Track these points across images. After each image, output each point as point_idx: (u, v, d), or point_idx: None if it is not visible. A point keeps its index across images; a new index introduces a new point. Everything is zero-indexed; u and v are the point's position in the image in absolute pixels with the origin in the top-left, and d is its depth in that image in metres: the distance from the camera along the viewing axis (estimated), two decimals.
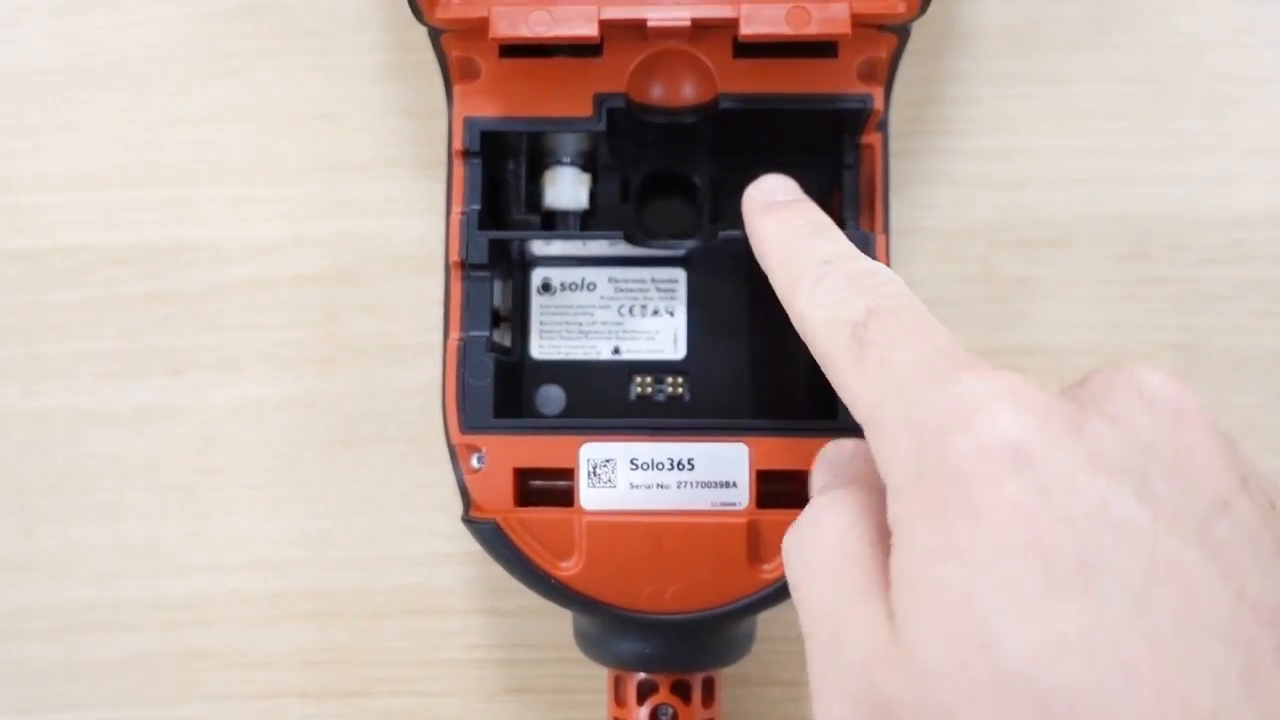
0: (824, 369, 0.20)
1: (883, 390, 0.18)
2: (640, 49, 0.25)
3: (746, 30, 0.24)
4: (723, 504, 0.25)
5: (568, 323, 0.28)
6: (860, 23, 0.24)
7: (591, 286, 0.28)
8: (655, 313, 0.28)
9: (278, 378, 0.31)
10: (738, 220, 0.25)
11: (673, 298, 0.28)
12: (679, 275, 0.28)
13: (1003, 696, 0.14)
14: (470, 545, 0.29)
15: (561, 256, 0.28)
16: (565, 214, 0.27)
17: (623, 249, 0.27)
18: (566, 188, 0.27)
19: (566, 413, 0.27)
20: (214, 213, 0.32)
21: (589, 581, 0.24)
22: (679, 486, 0.25)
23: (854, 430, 0.24)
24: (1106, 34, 0.33)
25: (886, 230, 0.27)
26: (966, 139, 0.32)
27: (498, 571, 0.28)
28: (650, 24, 0.24)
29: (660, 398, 0.27)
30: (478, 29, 0.24)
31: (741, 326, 0.28)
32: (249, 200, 0.32)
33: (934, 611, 0.15)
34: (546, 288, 0.28)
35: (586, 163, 0.27)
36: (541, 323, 0.28)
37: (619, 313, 0.28)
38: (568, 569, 0.24)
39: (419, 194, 0.32)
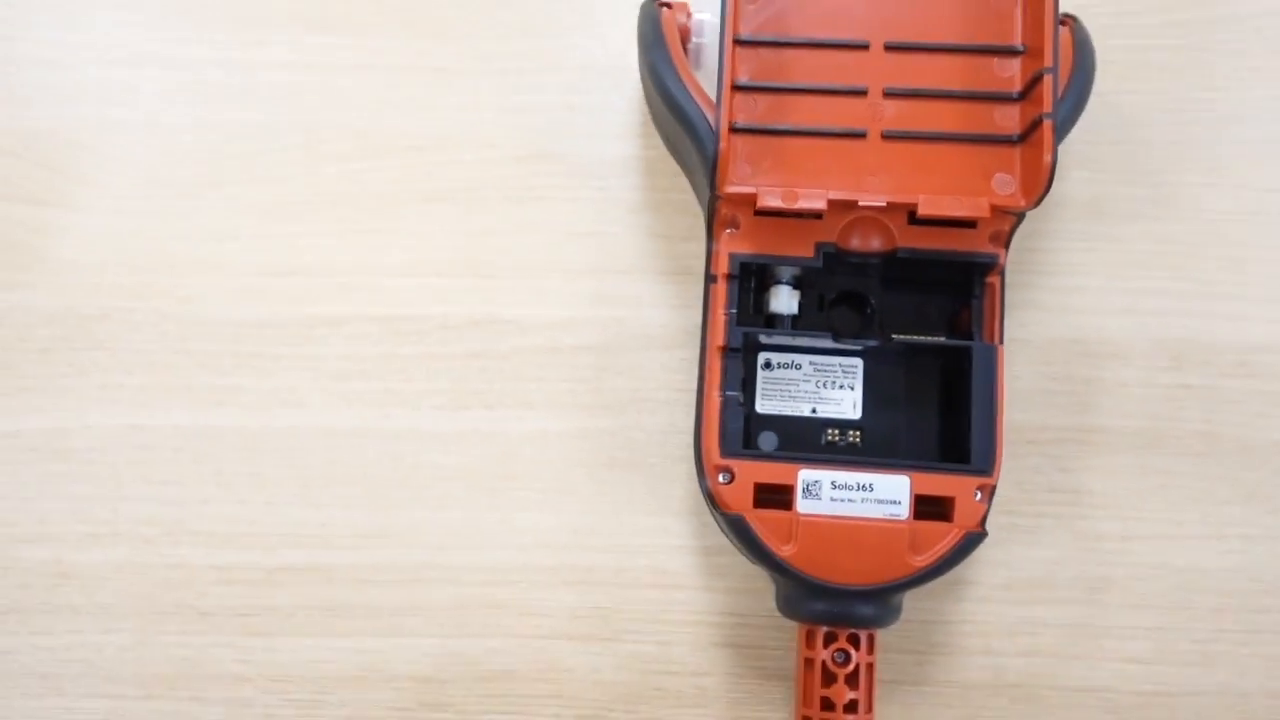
0: None
1: None
2: (847, 214, 0.39)
3: (923, 211, 0.37)
4: (891, 515, 0.37)
5: (781, 390, 0.41)
6: (995, 211, 0.37)
7: (798, 366, 0.41)
8: (840, 386, 0.41)
9: (559, 416, 0.45)
10: (899, 327, 0.39)
11: (853, 377, 0.41)
12: (858, 363, 0.41)
13: None
14: (695, 541, 0.43)
15: (779, 345, 0.41)
16: (783, 317, 0.41)
17: (821, 343, 0.40)
18: (785, 299, 0.40)
19: (779, 449, 0.40)
20: (517, 297, 0.46)
21: (800, 560, 0.37)
22: (862, 501, 0.37)
23: (981, 471, 0.37)
24: (1155, 208, 0.46)
25: (1002, 341, 0.39)
26: (1053, 277, 0.45)
27: (715, 560, 0.41)
28: (860, 204, 0.37)
29: (843, 443, 0.40)
30: (748, 200, 0.38)
31: (899, 398, 0.41)
32: (542, 290, 0.46)
33: None
34: (768, 365, 0.41)
35: (797, 283, 0.41)
36: (763, 389, 0.41)
37: (816, 385, 0.41)
38: (788, 550, 0.37)
39: (663, 294, 0.45)
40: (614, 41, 0.48)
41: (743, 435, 0.38)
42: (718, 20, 0.43)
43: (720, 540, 0.42)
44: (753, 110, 0.38)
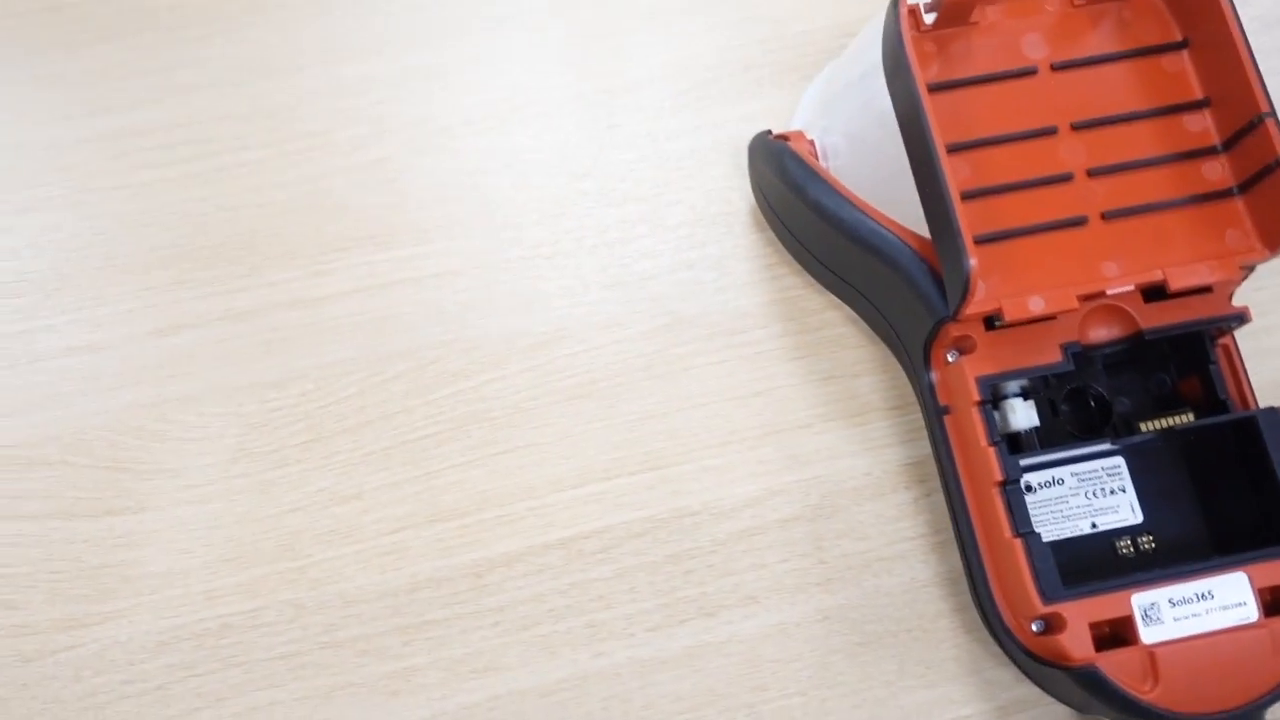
0: None
1: None
2: (1085, 307, 0.36)
3: (1175, 285, 0.34)
4: (1241, 620, 0.33)
5: (1053, 511, 0.37)
6: (1242, 268, 0.35)
7: (1061, 482, 0.37)
8: (1112, 492, 0.37)
9: (791, 602, 0.39)
10: (1140, 413, 0.35)
11: (1120, 478, 0.37)
12: (1119, 462, 0.37)
13: None
14: (986, 704, 0.37)
15: (1034, 464, 0.37)
16: (1026, 433, 0.37)
17: (1080, 450, 0.37)
18: (1023, 414, 0.36)
19: (1082, 576, 0.35)
20: (699, 482, 0.41)
21: (1169, 698, 0.32)
22: (1208, 613, 0.33)
23: None
24: None
25: (1256, 403, 0.37)
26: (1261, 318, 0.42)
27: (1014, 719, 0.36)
28: (1108, 293, 0.34)
29: (1137, 554, 0.36)
30: (979, 316, 0.34)
31: (1172, 489, 0.37)
32: (724, 468, 0.41)
33: None
34: (1029, 488, 0.37)
35: (1024, 393, 0.37)
36: (1035, 515, 0.36)
37: (1086, 497, 0.37)
38: (1152, 692, 0.32)
39: (855, 439, 0.41)
40: (712, 188, 0.45)
41: (1061, 571, 0.34)
42: (848, 140, 0.40)
43: (1020, 694, 0.37)
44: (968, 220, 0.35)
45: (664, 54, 0.47)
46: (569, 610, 0.39)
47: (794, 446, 0.41)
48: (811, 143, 0.41)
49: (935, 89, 0.36)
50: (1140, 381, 0.38)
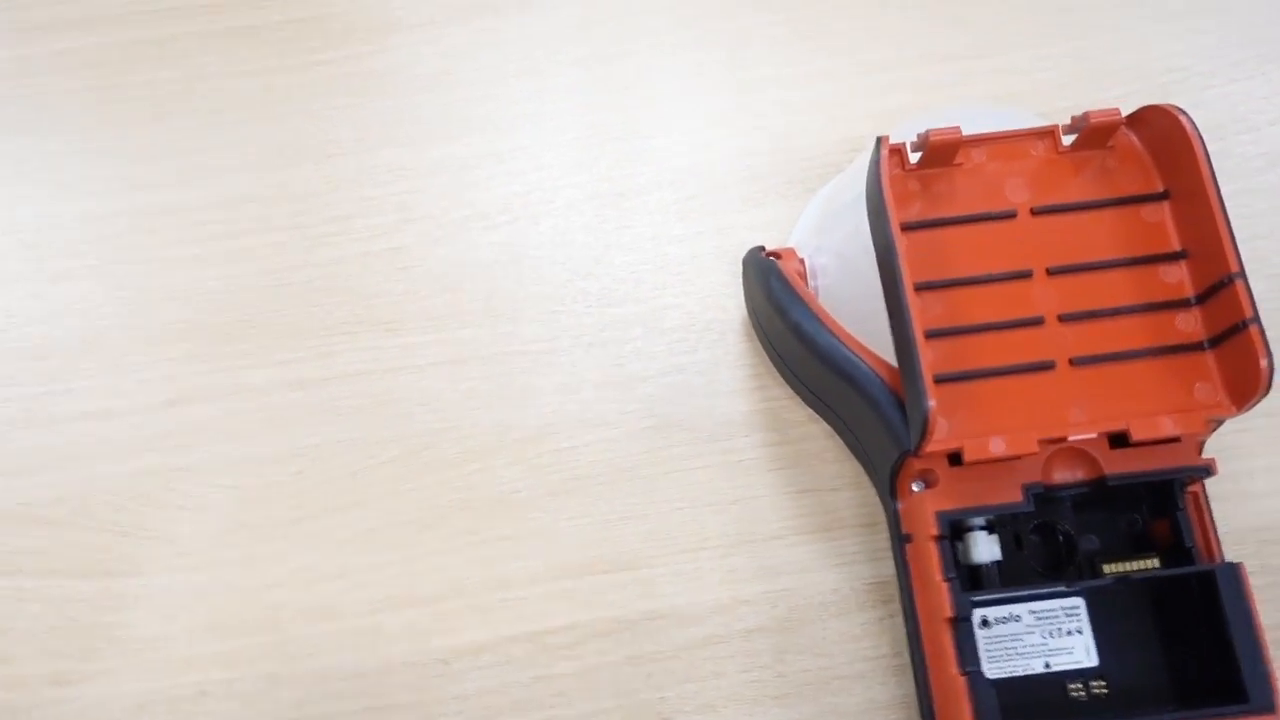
0: None
1: None
2: (1048, 449, 0.36)
3: (1138, 436, 0.35)
4: None
5: (1006, 649, 0.37)
6: (1208, 423, 0.35)
7: (1018, 618, 0.37)
8: (1069, 633, 0.37)
9: (748, 714, 0.40)
10: (1098, 556, 0.36)
11: (1078, 619, 0.37)
12: (1079, 603, 0.37)
13: None
14: None
15: (991, 599, 0.37)
16: (986, 566, 0.37)
17: (1030, 589, 0.37)
18: (985, 547, 0.37)
19: (1031, 717, 0.36)
20: (670, 586, 0.41)
21: None
22: None
23: (1264, 709, 0.33)
24: None
25: (1221, 553, 0.37)
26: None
27: None
28: (1070, 439, 0.35)
29: (1089, 698, 0.36)
30: (945, 455, 0.35)
31: (1132, 634, 0.37)
32: (694, 573, 0.42)
33: None
34: (985, 623, 0.37)
35: (990, 526, 0.38)
36: (988, 650, 0.37)
37: (1042, 636, 0.37)
38: None
39: (826, 554, 0.42)
40: (708, 294, 0.46)
41: (1004, 710, 0.34)
42: (838, 261, 0.41)
43: None
44: (934, 358, 0.36)
45: (678, 159, 0.49)
46: (530, 703, 0.40)
47: (765, 557, 0.42)
48: (803, 261, 0.42)
49: (915, 227, 0.37)
50: (1110, 521, 0.38)
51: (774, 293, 0.40)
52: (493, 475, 0.43)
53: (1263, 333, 0.34)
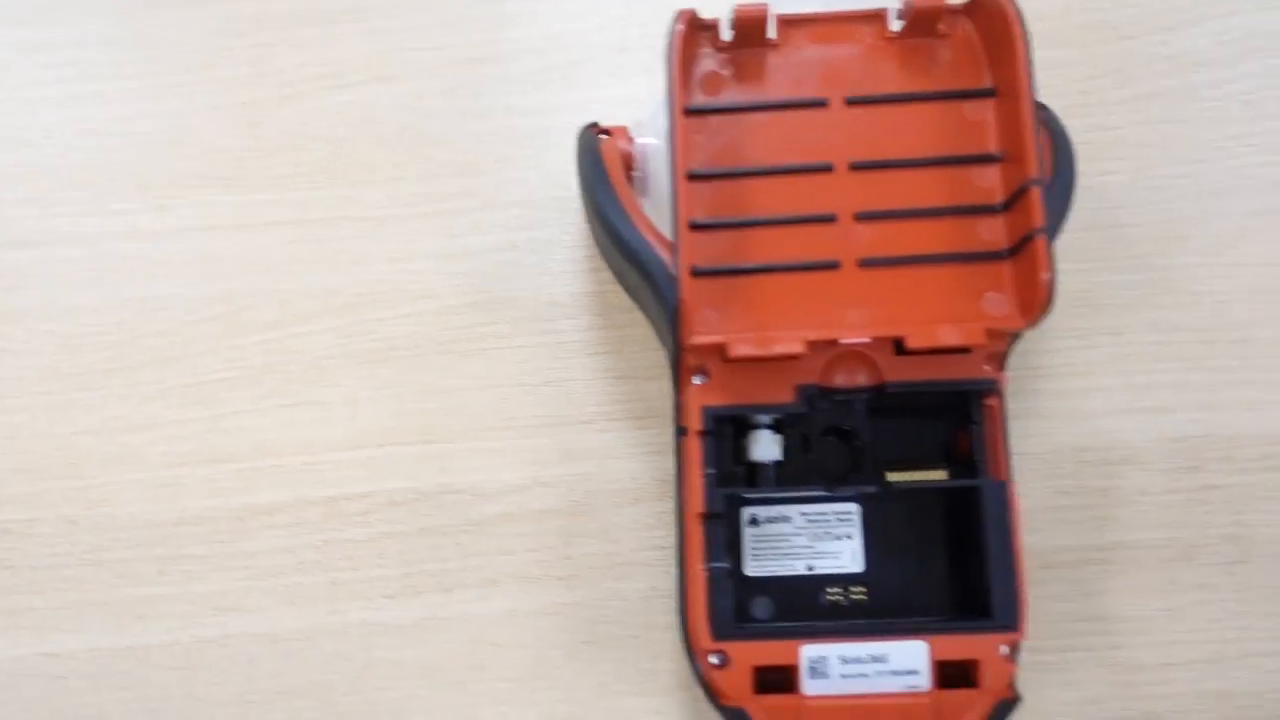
0: None
1: None
2: (829, 351, 0.35)
3: (913, 344, 0.33)
4: (910, 687, 0.33)
5: (772, 548, 0.36)
6: (991, 334, 0.33)
7: (788, 519, 0.37)
8: (838, 538, 0.36)
9: (528, 592, 0.40)
10: (895, 461, 0.34)
11: (851, 525, 0.36)
12: (854, 509, 0.37)
13: None
14: None
15: (764, 498, 0.37)
16: (765, 465, 0.36)
17: (810, 491, 0.36)
18: (766, 446, 0.36)
19: (775, 616, 0.36)
20: (470, 462, 0.41)
21: None
22: (877, 675, 0.33)
23: (1005, 628, 0.33)
24: (1150, 296, 0.42)
25: (1010, 474, 0.35)
26: (1052, 381, 0.42)
27: None
28: (841, 342, 0.34)
29: (847, 603, 0.36)
30: (716, 348, 0.34)
31: (904, 545, 0.36)
32: (497, 451, 0.41)
33: None
34: (754, 521, 0.37)
35: (778, 425, 0.37)
36: (752, 548, 0.36)
37: (810, 539, 0.36)
38: None
39: (631, 442, 0.41)
40: (554, 170, 0.44)
41: (734, 610, 0.34)
42: (656, 144, 0.40)
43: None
44: (713, 249, 0.35)
45: (549, 26, 0.46)
46: (317, 566, 0.40)
47: (571, 441, 0.41)
48: (632, 141, 0.41)
49: (717, 110, 0.35)
50: (908, 431, 0.37)
51: (585, 171, 0.39)
52: (310, 340, 0.43)
53: (1049, 245, 0.32)
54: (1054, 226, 0.35)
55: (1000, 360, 0.35)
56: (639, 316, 0.42)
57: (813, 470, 0.37)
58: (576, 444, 0.41)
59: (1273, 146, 0.44)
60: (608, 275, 0.43)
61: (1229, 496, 0.41)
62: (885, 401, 0.36)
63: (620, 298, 0.43)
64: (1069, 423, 0.41)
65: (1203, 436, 0.41)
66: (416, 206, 0.44)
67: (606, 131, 0.41)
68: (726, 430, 0.36)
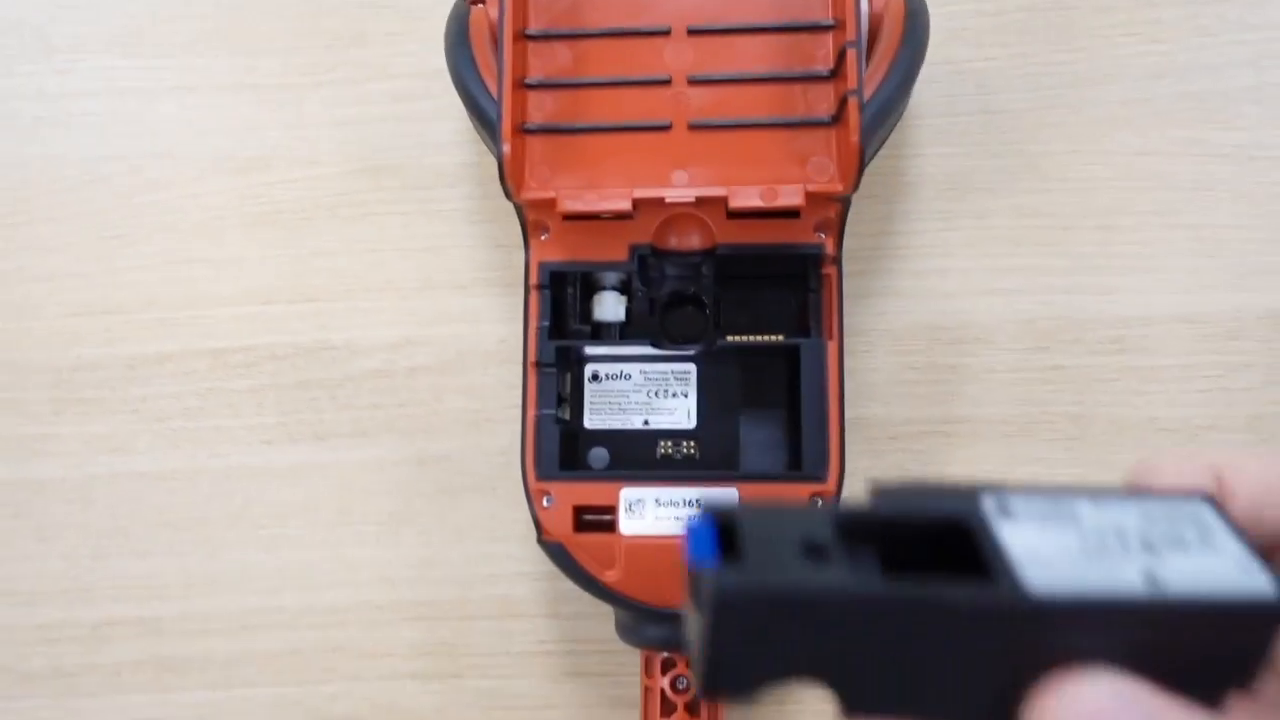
0: None
1: None
2: (662, 213, 0.36)
3: (734, 204, 0.35)
4: None
5: (610, 403, 0.38)
6: (812, 198, 0.35)
7: (628, 377, 0.38)
8: (674, 395, 0.38)
9: (397, 443, 0.42)
10: (733, 328, 0.36)
11: (687, 384, 0.38)
12: (691, 369, 0.38)
13: None
14: (538, 566, 0.40)
15: (606, 355, 0.38)
16: (609, 324, 0.38)
17: (650, 350, 0.38)
18: (610, 306, 0.38)
19: (611, 467, 0.38)
20: (348, 321, 0.43)
21: (626, 585, 0.35)
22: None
23: (815, 478, 0.34)
24: (1018, 181, 0.43)
25: (840, 337, 0.37)
26: (912, 261, 0.43)
27: (560, 586, 0.39)
28: (667, 200, 0.35)
29: (678, 456, 0.38)
30: (549, 204, 0.35)
31: (736, 404, 0.38)
32: (374, 311, 0.43)
33: None
34: (595, 378, 0.39)
35: (623, 287, 0.38)
36: (591, 403, 0.38)
37: (647, 395, 0.38)
38: (611, 576, 0.35)
39: (502, 307, 0.43)
40: (442, 45, 0.45)
41: (562, 455, 0.36)
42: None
43: None
44: (549, 109, 0.36)
45: None
46: (201, 412, 0.43)
47: (446, 304, 0.43)
48: None
49: None
50: (754, 300, 0.39)
51: (448, 36, 0.40)
52: (200, 201, 0.45)
53: (860, 107, 0.33)
54: (891, 97, 0.36)
55: (832, 228, 0.37)
56: None
57: (660, 334, 0.39)
58: (450, 308, 0.43)
59: (1154, 35, 0.44)
60: (487, 149, 0.44)
61: (1074, 377, 0.42)
62: (731, 269, 0.38)
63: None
64: (925, 301, 0.43)
65: (1055, 319, 0.42)
66: (309, 75, 0.46)
67: (481, 1, 0.42)
68: (570, 288, 0.38)
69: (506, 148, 0.33)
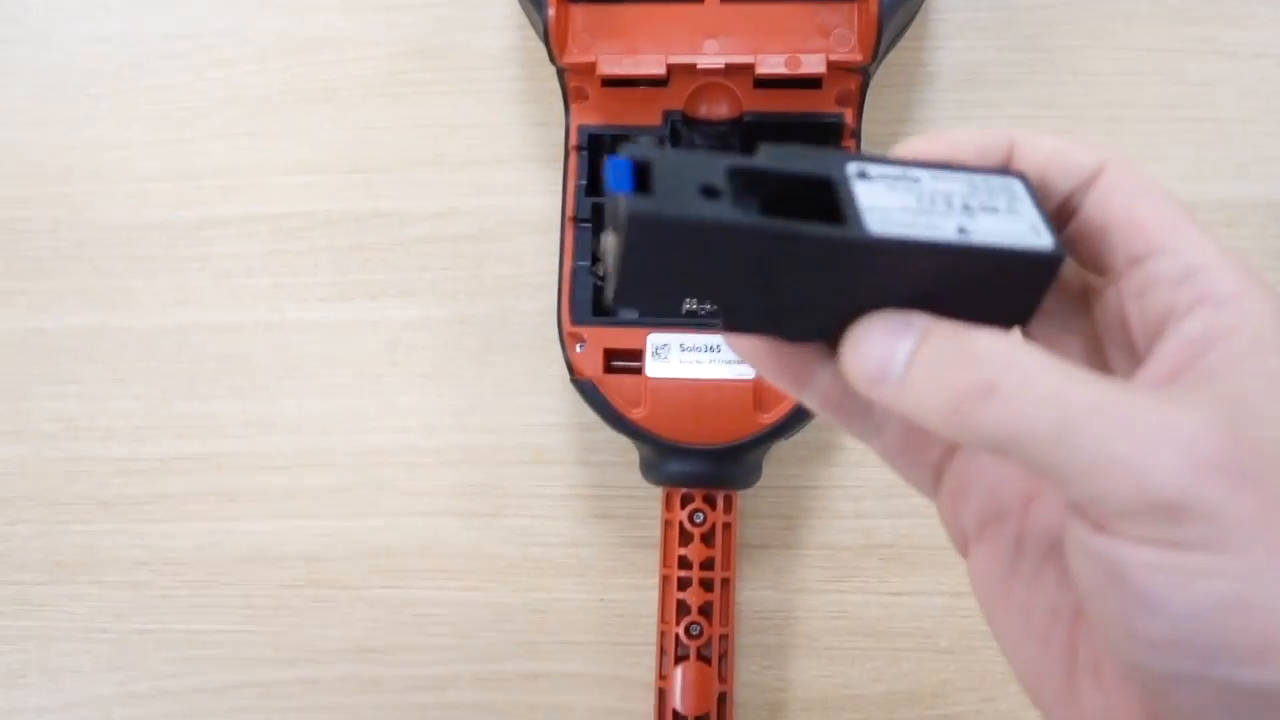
0: None
1: None
2: (693, 80, 0.39)
3: (760, 71, 0.37)
4: (738, 375, 0.38)
5: None
6: (833, 67, 0.37)
7: None
8: None
9: (441, 303, 0.46)
10: None
11: None
12: None
13: None
14: (570, 418, 0.44)
15: None
16: None
17: None
18: None
19: (640, 315, 0.41)
20: (398, 191, 0.47)
21: (651, 422, 0.38)
22: (710, 362, 0.38)
23: None
24: (1033, 74, 0.46)
25: None
26: None
27: (589, 436, 0.42)
28: (699, 66, 0.38)
29: (703, 311, 0.41)
30: (589, 69, 0.38)
31: None
32: (423, 183, 0.47)
33: None
34: None
35: None
36: None
37: None
38: (638, 414, 0.38)
39: (542, 180, 0.46)
40: None
41: (594, 303, 0.39)
42: None
43: (594, 415, 0.43)
44: None
45: None
46: (262, 270, 0.46)
47: (489, 177, 0.46)
48: None
49: None
50: None
51: None
52: (264, 78, 0.48)
53: None
54: None
55: (852, 100, 0.39)
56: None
57: None
58: (493, 180, 0.46)
59: None
60: (532, 33, 0.47)
61: None
62: (757, 136, 0.40)
63: (542, 53, 0.47)
64: None
65: None
66: None
67: None
68: (607, 152, 0.41)
69: (551, 12, 0.36)
